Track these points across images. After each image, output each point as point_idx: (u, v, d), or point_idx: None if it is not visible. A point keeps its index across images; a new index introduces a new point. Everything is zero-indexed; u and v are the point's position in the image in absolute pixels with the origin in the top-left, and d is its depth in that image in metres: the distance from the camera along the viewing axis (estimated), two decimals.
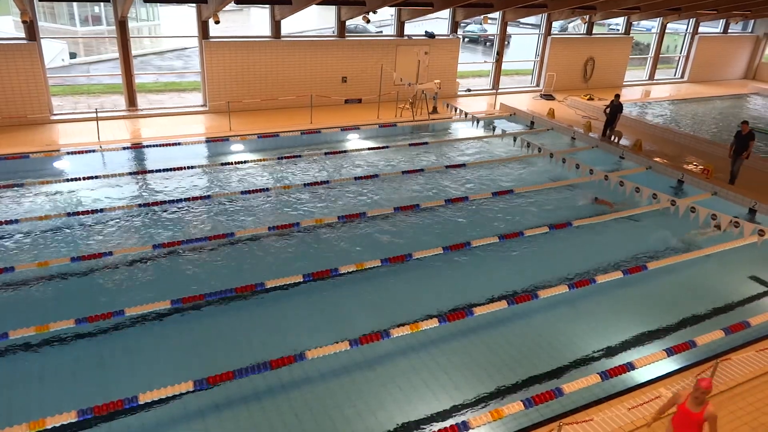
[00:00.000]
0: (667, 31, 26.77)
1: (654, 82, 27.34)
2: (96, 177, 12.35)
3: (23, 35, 15.22)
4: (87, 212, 10.78)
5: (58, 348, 7.31)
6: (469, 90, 22.55)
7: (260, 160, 14.18)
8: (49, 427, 5.71)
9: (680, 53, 28.33)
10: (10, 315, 7.81)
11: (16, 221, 10.26)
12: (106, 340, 7.52)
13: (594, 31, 24.78)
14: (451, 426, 5.96)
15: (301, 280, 8.63)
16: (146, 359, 7.23)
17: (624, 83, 25.89)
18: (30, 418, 5.72)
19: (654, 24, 26.81)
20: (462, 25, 22.01)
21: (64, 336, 7.42)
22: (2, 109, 14.95)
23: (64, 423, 5.79)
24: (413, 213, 11.56)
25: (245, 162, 14.02)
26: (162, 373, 6.85)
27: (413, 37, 20.27)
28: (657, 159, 14.94)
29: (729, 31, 28.91)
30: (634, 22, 25.66)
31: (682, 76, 28.41)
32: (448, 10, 20.41)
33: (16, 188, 11.72)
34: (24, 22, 14.76)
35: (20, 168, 12.75)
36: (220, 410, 6.42)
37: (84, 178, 12.20)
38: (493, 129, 17.22)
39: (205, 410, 6.40)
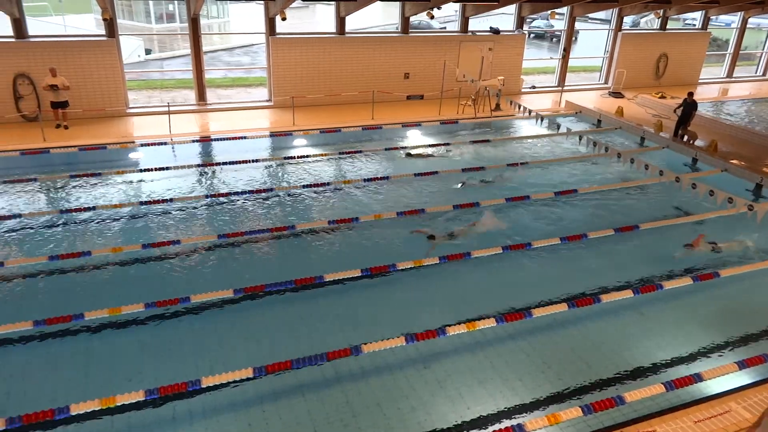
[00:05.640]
0: (748, 26, 25.28)
1: (733, 79, 25.89)
2: (167, 168, 12.90)
3: (104, 32, 16.04)
4: (158, 201, 11.29)
5: (129, 330, 7.67)
6: (534, 87, 22.07)
7: (322, 155, 14.41)
8: (119, 404, 6.03)
9: (763, 49, 26.70)
10: (86, 297, 8.28)
11: (94, 208, 10.87)
12: (172, 324, 7.84)
13: (668, 26, 23.72)
14: (506, 428, 5.88)
15: (360, 275, 8.72)
16: (209, 345, 7.47)
17: (699, 81, 24.68)
18: (102, 395, 6.06)
19: (734, 19, 25.38)
20: (528, 20, 21.55)
21: (134, 319, 7.79)
22: (83, 103, 15.82)
23: (132, 401, 6.10)
24: (472, 211, 11.43)
25: (307, 156, 14.29)
26: (223, 359, 7.09)
27: (477, 33, 20.03)
28: (734, 161, 14.17)
29: None
30: (712, 17, 24.38)
31: (764, 74, 26.77)
32: (514, 5, 20.04)
33: (94, 177, 12.39)
34: (104, 20, 15.59)
35: (98, 158, 13.49)
36: (277, 398, 6.58)
37: (156, 169, 12.77)
38: (558, 127, 16.80)
39: (263, 397, 6.58)
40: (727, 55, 25.86)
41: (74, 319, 7.40)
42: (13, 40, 15.11)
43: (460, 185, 12.72)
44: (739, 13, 24.34)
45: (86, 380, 6.80)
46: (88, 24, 29.55)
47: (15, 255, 9.31)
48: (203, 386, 6.32)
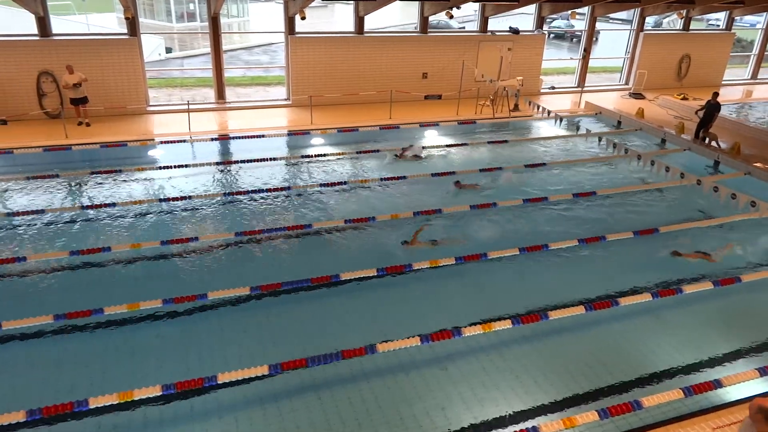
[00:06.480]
0: None
1: (757, 81, 25.44)
2: (186, 165, 13.03)
3: (126, 31, 16.24)
4: (177, 198, 11.40)
5: (147, 325, 7.77)
6: (553, 87, 21.91)
7: (339, 154, 14.43)
8: (136, 398, 6.11)
9: None
10: (105, 292, 8.38)
11: (114, 205, 11.01)
12: (189, 321, 7.91)
13: (691, 27, 23.39)
14: (520, 430, 5.85)
15: (375, 274, 8.72)
16: (225, 341, 7.53)
17: (723, 82, 24.29)
18: (120, 389, 6.13)
19: (759, 19, 24.94)
20: (548, 20, 21.37)
21: (152, 314, 7.87)
22: (105, 100, 16.03)
23: (150, 396, 6.17)
24: (489, 212, 11.38)
25: (325, 155, 14.34)
26: (239, 356, 7.14)
27: (497, 33, 19.93)
28: (757, 164, 13.91)
29: None
30: (737, 18, 23.98)
31: None
32: (534, 5, 19.90)
33: (114, 174, 12.55)
34: (126, 18, 15.77)
35: (119, 155, 13.65)
36: (292, 395, 6.61)
37: (175, 167, 12.90)
38: (577, 128, 16.66)
39: (278, 394, 6.62)
40: (752, 56, 25.42)
41: (94, 313, 7.50)
42: (37, 38, 15.37)
43: (454, 184, 12.58)
44: (765, 13, 23.91)
45: (104, 374, 6.90)
46: (111, 23, 29.98)
47: (37, 250, 9.46)
48: (219, 382, 6.38)
